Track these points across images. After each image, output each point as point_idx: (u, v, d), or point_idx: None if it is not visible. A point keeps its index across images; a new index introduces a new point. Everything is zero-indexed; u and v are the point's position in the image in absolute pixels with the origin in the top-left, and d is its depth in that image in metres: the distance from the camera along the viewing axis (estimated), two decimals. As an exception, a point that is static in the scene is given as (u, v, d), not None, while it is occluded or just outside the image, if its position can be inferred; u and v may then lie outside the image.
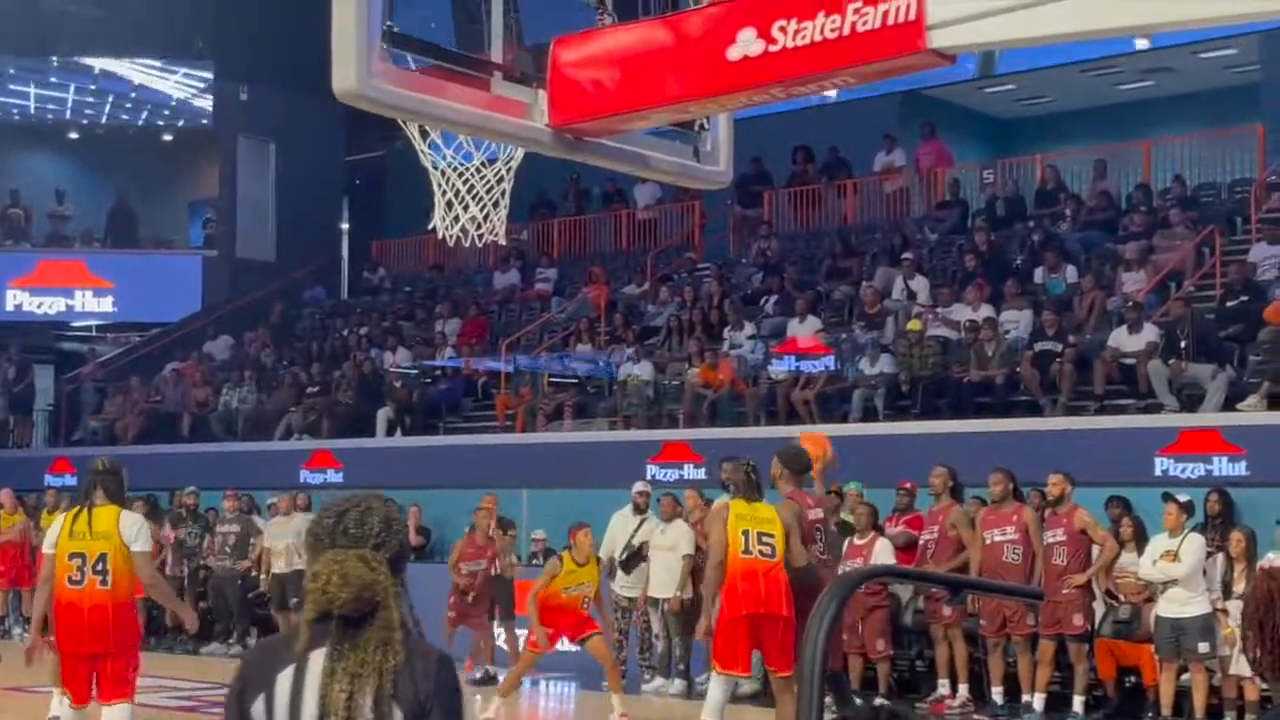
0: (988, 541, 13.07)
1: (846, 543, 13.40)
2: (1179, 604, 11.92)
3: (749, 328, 20.02)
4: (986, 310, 17.71)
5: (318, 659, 3.14)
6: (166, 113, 31.17)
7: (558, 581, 12.61)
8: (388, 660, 3.12)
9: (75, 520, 8.69)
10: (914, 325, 17.95)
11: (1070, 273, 18.53)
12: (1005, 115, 25.96)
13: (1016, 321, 17.51)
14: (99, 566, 8.55)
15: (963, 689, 13.37)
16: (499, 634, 16.13)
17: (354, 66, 5.78)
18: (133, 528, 8.71)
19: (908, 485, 14.79)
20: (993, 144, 25.55)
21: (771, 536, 10.31)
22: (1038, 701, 12.80)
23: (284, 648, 3.26)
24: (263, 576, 18.17)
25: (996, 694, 13.12)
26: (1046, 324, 17.06)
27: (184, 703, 14.76)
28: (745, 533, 10.29)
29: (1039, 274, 18.80)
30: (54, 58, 30.16)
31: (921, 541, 13.83)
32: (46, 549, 8.95)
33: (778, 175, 24.52)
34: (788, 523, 10.42)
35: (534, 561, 16.57)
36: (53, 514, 18.08)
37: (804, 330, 19.06)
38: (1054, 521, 12.82)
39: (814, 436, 12.70)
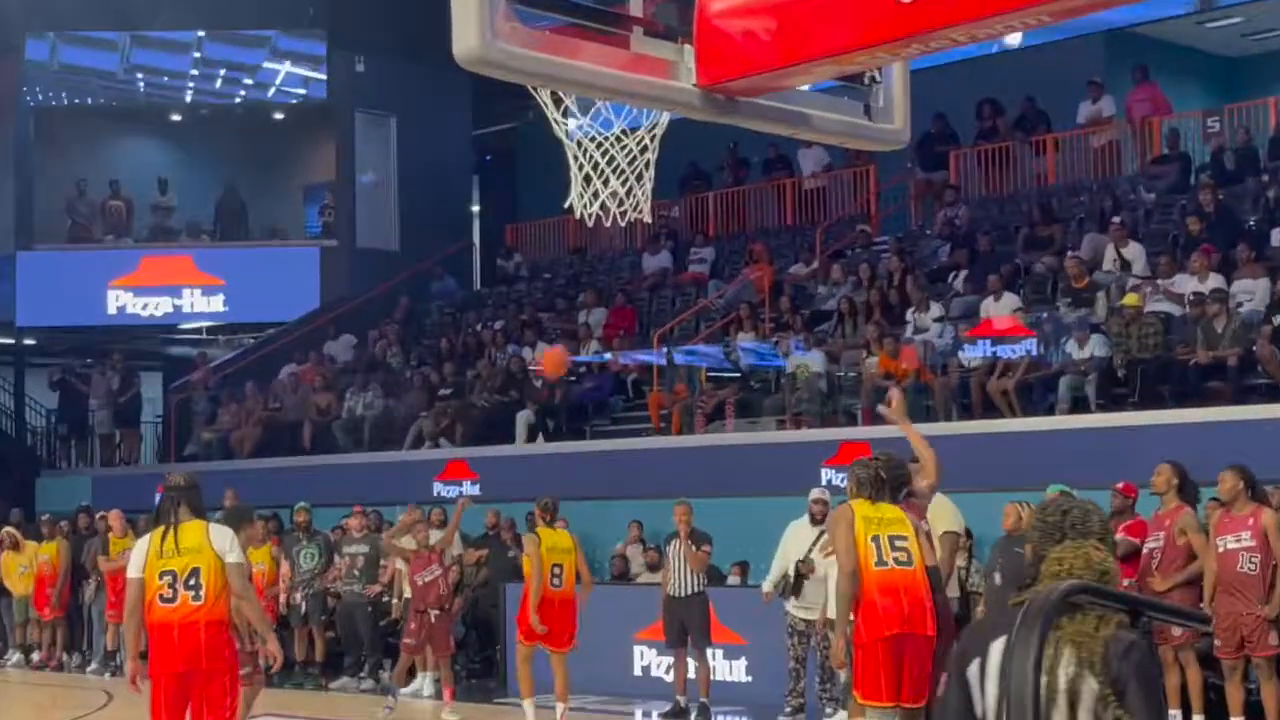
0: (1221, 549, 12.77)
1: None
2: None
3: (935, 309, 19.81)
4: (1215, 280, 17.30)
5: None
6: (276, 90, 31.65)
7: (544, 557, 14.00)
8: (1101, 631, 3.86)
9: (163, 540, 9.13)
10: (1130, 300, 17.58)
11: (1316, 235, 18.12)
12: (1231, 53, 25.39)
13: (1252, 292, 17.08)
14: (191, 581, 9.02)
15: (1198, 720, 13.10)
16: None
17: (477, 28, 5.79)
18: (224, 539, 9.24)
19: (1121, 486, 14.51)
20: (1218, 87, 25.01)
21: (905, 539, 10.13)
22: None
23: (998, 620, 4.14)
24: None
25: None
26: (1289, 295, 16.71)
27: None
28: (875, 539, 10.15)
29: (1276, 236, 18.35)
30: (150, 32, 30.71)
31: (1146, 550, 13.55)
32: (133, 573, 9.31)
33: (964, 133, 24.25)
34: (915, 523, 10.31)
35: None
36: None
37: (1000, 310, 18.80)
38: (1305, 525, 12.50)
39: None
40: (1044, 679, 3.77)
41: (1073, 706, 3.85)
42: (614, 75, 6.38)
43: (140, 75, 31.36)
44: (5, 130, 30.37)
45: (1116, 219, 19.96)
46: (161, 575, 9.02)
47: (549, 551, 14.17)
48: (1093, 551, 4.12)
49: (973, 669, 4.04)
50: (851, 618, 10.01)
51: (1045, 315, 18.58)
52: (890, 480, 10.33)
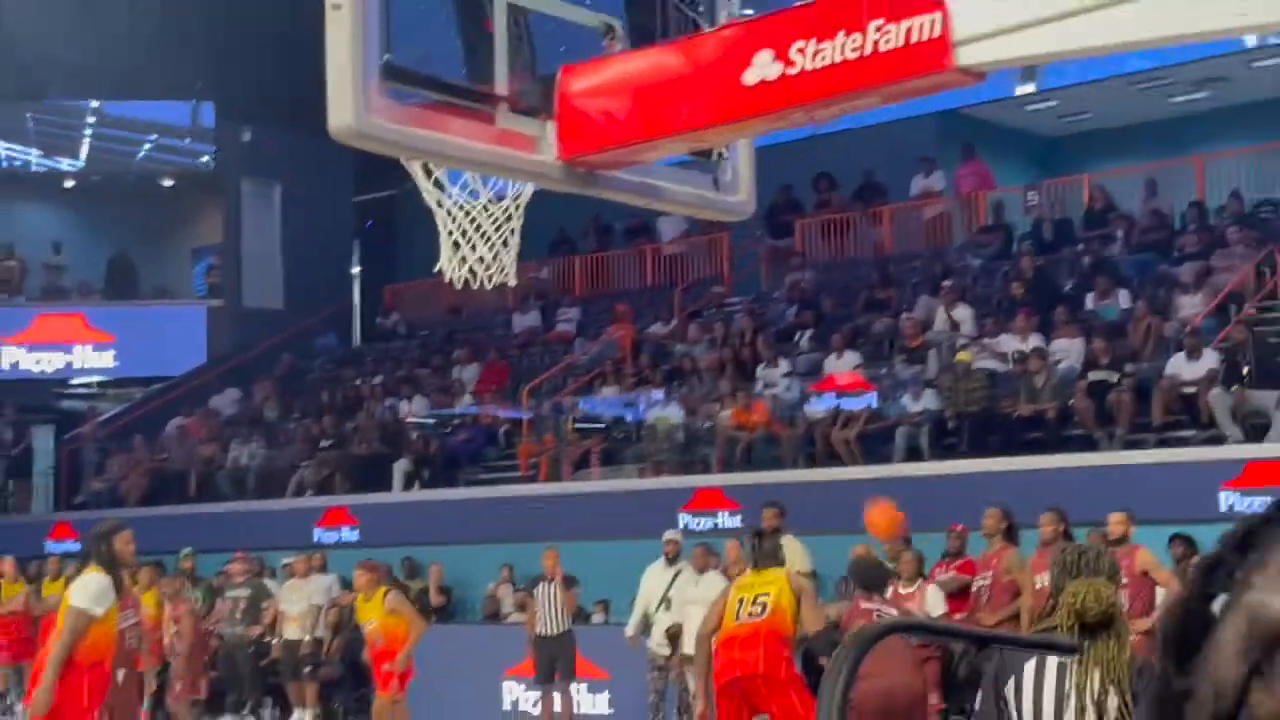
0: (1038, 585, 12.98)
1: (890, 590, 13.32)
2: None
3: (784, 365, 20.00)
4: (1035, 340, 17.66)
5: (1051, 657, 4.53)
6: (165, 157, 31.26)
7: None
8: (1122, 654, 4.46)
9: None
10: (961, 358, 17.90)
11: (1123, 298, 18.50)
12: (1049, 133, 25.96)
13: (1068, 351, 17.44)
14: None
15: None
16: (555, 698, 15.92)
17: (351, 103, 5.79)
18: (80, 587, 9.33)
19: (958, 528, 14.71)
20: (1037, 164, 25.55)
21: (766, 596, 10.24)
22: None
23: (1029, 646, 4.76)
24: (274, 642, 18.13)
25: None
26: (1099, 353, 17.02)
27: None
28: (740, 601, 10.31)
29: (1090, 300, 18.76)
30: (44, 101, 30.26)
31: (975, 588, 13.74)
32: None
33: (808, 203, 24.55)
34: (799, 588, 10.47)
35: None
36: (54, 581, 18.17)
37: (842, 366, 19.04)
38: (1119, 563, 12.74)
39: (883, 511, 12.75)
40: (1072, 694, 4.48)
41: (1100, 714, 4.41)
42: (481, 149, 6.41)
43: (35, 142, 30.82)
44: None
45: (947, 283, 20.34)
46: None
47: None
48: (1102, 588, 4.59)
49: (1010, 686, 4.62)
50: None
51: (883, 371, 18.86)
52: (767, 552, 10.67)
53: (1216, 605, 1.26)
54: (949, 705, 13.96)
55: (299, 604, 17.88)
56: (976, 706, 4.74)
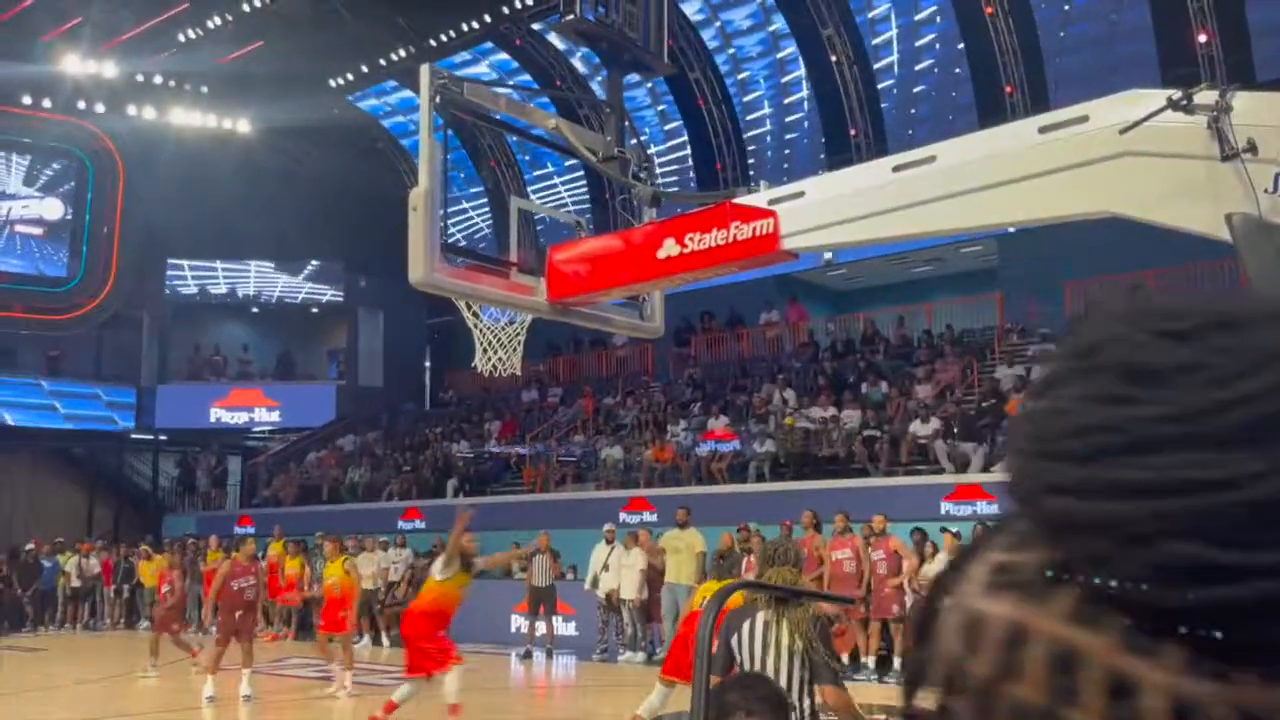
0: (835, 558, 12.96)
1: (745, 561, 13.23)
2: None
3: (683, 423, 19.98)
4: (833, 410, 17.75)
5: (760, 616, 4.31)
6: (313, 294, 31.17)
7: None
8: (805, 616, 4.26)
9: None
10: (788, 420, 17.96)
11: (884, 386, 18.62)
12: (841, 288, 26.20)
13: (851, 417, 17.54)
14: None
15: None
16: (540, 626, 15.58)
17: (423, 266, 5.78)
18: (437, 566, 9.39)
19: (786, 523, 14.67)
20: (833, 306, 25.76)
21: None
22: (870, 662, 12.61)
23: (744, 612, 4.36)
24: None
25: (844, 657, 12.93)
26: (870, 419, 17.11)
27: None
28: (704, 600, 9.46)
29: (864, 388, 18.89)
30: (235, 259, 30.16)
31: (794, 559, 13.72)
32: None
33: (698, 327, 24.65)
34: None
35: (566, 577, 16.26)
36: (234, 554, 17.69)
37: (718, 424, 19.04)
38: (877, 545, 12.75)
39: None
40: (771, 643, 4.24)
41: (791, 656, 4.21)
42: (500, 294, 6.39)
43: (234, 283, 30.70)
44: (155, 312, 29.43)
45: (779, 376, 20.41)
46: None
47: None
48: (789, 573, 4.45)
49: (734, 638, 4.32)
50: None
51: (743, 428, 18.86)
52: (725, 567, 9.70)
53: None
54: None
55: (370, 568, 17.61)
56: (714, 652, 4.21)
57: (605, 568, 14.80)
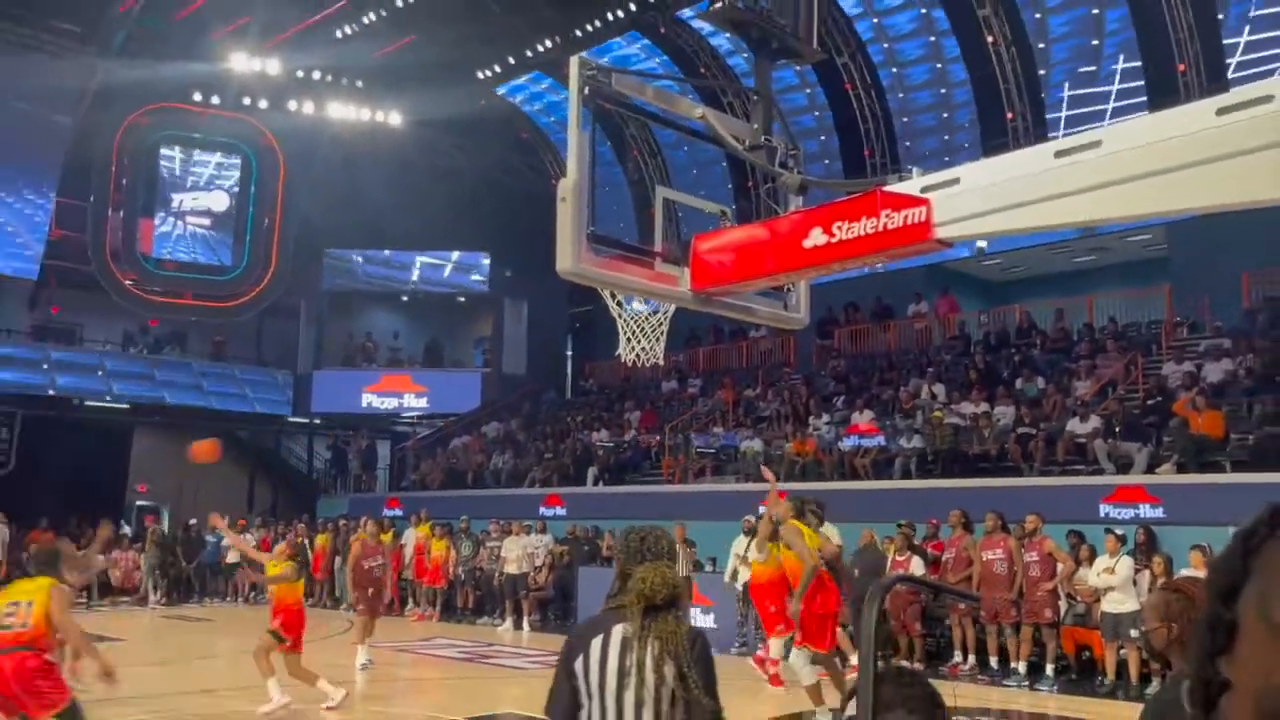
0: (985, 558, 12.63)
1: (890, 559, 13.03)
2: (1117, 604, 11.40)
3: (825, 417, 19.75)
4: (985, 406, 17.25)
5: (618, 631, 3.17)
6: (460, 284, 32.06)
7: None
8: (680, 629, 3.16)
9: None
10: (936, 415, 17.54)
11: (1040, 382, 17.99)
12: (996, 279, 25.43)
13: (1005, 414, 17.01)
14: None
15: (971, 658, 12.86)
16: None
17: (570, 255, 5.84)
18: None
19: (933, 522, 14.38)
20: (986, 298, 25.02)
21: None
22: (1021, 667, 12.25)
23: (596, 624, 3.26)
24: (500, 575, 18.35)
25: (993, 661, 12.60)
26: (1025, 416, 16.56)
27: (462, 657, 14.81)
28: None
29: (1019, 383, 18.28)
30: (386, 250, 31.18)
31: (943, 559, 13.42)
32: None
33: (842, 318, 24.32)
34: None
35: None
36: (386, 533, 18.39)
37: (862, 419, 18.75)
38: (1030, 547, 12.37)
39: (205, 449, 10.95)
40: (633, 668, 3.12)
41: (657, 687, 3.11)
42: (644, 284, 6.42)
43: (385, 273, 31.84)
44: (311, 300, 30.81)
45: (929, 370, 19.96)
46: None
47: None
48: (666, 570, 3.26)
49: (579, 662, 3.17)
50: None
51: (888, 423, 18.52)
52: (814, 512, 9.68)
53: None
54: (925, 629, 13.62)
55: (515, 551, 18.02)
56: (552, 684, 3.26)
57: (744, 560, 14.78)
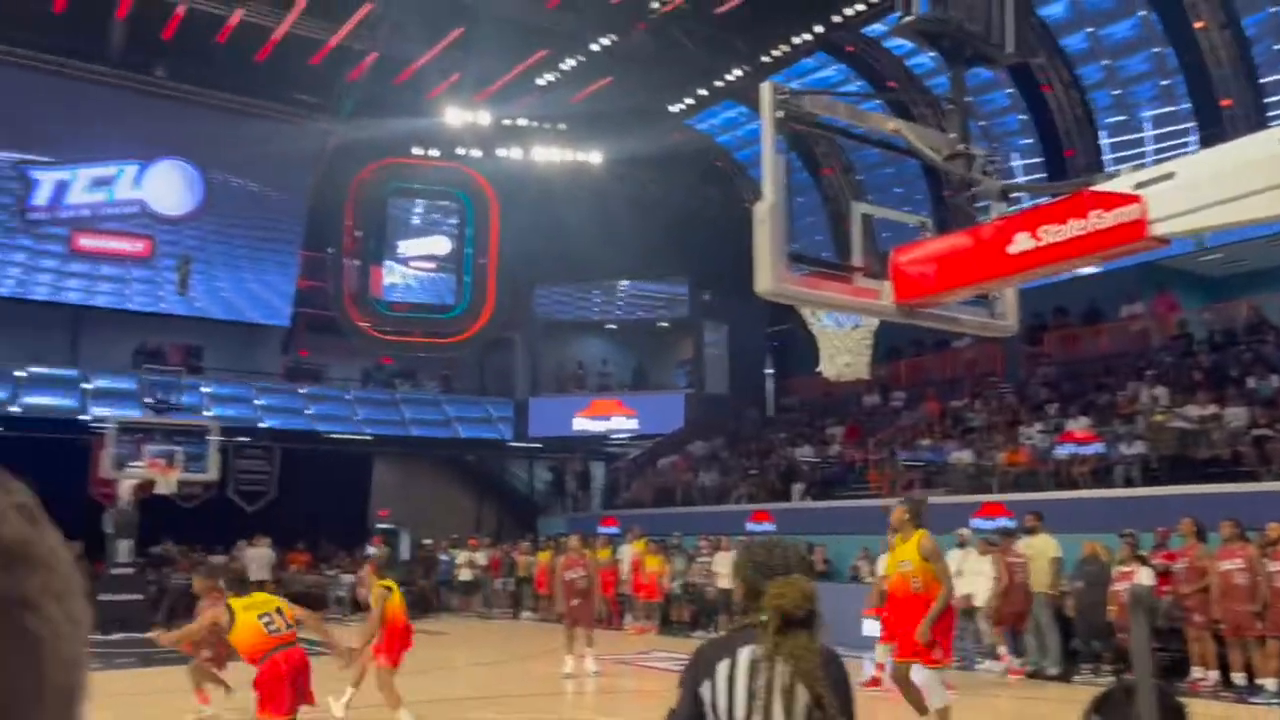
0: (1223, 569, 11.65)
1: (1115, 570, 12.23)
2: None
3: (1039, 425, 18.79)
4: (1213, 408, 15.97)
5: (745, 653, 2.88)
6: (662, 310, 32.47)
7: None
8: (814, 649, 2.86)
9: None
10: (1157, 418, 16.38)
11: (1275, 380, 16.50)
12: (1217, 274, 23.52)
13: (1237, 415, 15.68)
14: None
15: (1213, 674, 11.86)
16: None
17: (770, 275, 5.84)
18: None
19: (1161, 531, 13.40)
20: (1208, 294, 23.19)
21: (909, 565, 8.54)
22: (1270, 684, 11.20)
23: (721, 645, 3.00)
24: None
25: (1238, 678, 11.57)
26: (1259, 417, 15.22)
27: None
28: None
29: (1250, 382, 16.83)
30: (591, 282, 31.96)
31: (1174, 570, 12.47)
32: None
33: (1051, 323, 23.11)
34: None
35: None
36: (604, 550, 18.74)
37: (1077, 426, 17.73)
38: (1274, 555, 11.31)
39: None
40: (761, 691, 2.84)
41: (788, 712, 2.83)
42: (844, 299, 6.34)
43: (592, 304, 32.65)
44: (526, 332, 31.99)
45: (1148, 372, 18.67)
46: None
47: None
48: (804, 583, 2.95)
49: (705, 688, 2.91)
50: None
51: (1107, 429, 17.43)
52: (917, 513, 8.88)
53: None
54: (1160, 643, 12.67)
55: (726, 566, 17.96)
56: (674, 705, 2.98)
57: (959, 573, 14.22)
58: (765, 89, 5.99)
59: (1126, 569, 12.25)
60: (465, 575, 23.48)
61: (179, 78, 25.56)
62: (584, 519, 26.43)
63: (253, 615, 7.24)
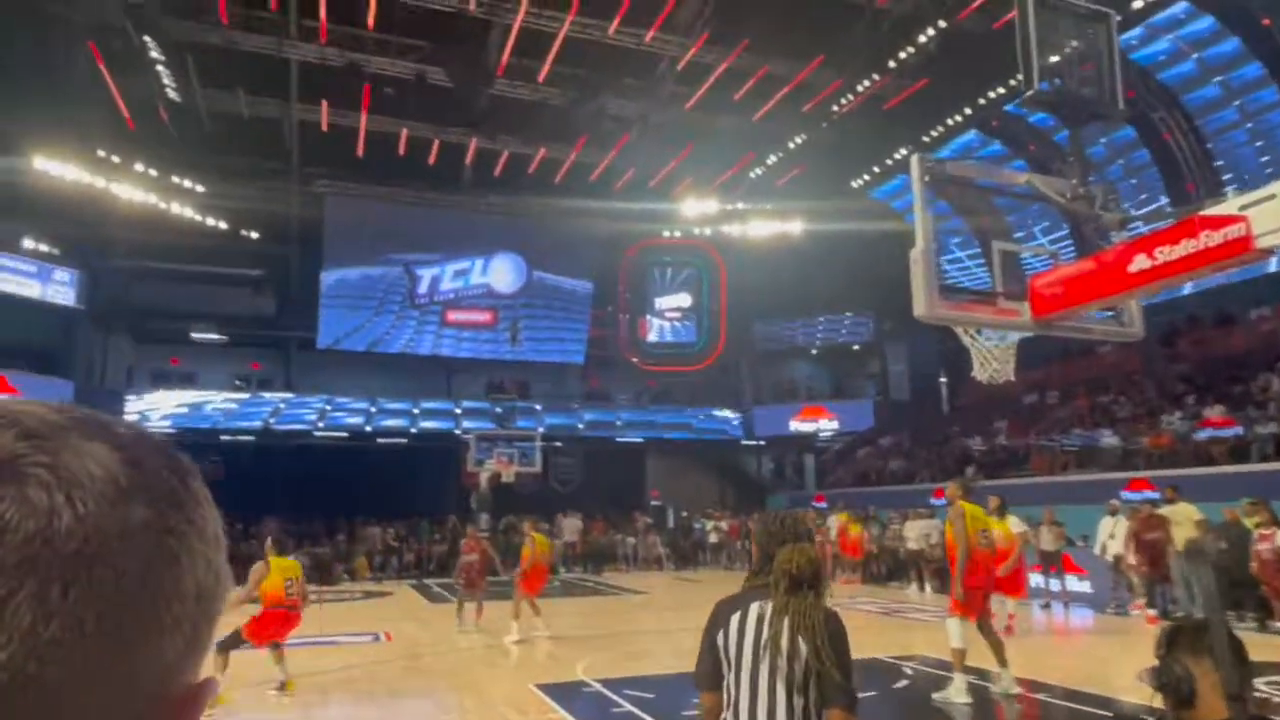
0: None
1: (1256, 532, 10.65)
2: None
3: (1177, 413, 16.68)
4: (1346, 393, 13.60)
5: (755, 608, 2.57)
6: (853, 336, 31.50)
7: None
8: (816, 607, 2.52)
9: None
10: (1292, 405, 14.14)
11: None
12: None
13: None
14: None
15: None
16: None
17: (925, 304, 5.73)
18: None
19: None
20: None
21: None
22: None
23: (736, 601, 2.64)
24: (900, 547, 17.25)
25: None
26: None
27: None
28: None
29: (1385, 369, 14.19)
30: (798, 317, 31.52)
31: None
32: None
33: (1184, 329, 20.42)
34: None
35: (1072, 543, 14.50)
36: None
37: (1214, 412, 15.60)
38: None
39: None
40: (771, 637, 2.49)
41: (790, 660, 2.47)
42: (990, 319, 6.08)
43: (798, 333, 32.23)
44: (749, 358, 32.01)
45: (1279, 364, 16.17)
46: None
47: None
48: (809, 549, 2.59)
49: (720, 636, 2.57)
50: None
51: (1242, 414, 15.23)
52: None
53: None
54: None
55: (914, 531, 17.07)
56: (699, 652, 2.63)
57: (1112, 536, 12.88)
58: (914, 162, 5.90)
59: (1266, 531, 10.65)
60: (713, 538, 23.72)
61: (508, 194, 27.90)
62: (799, 496, 26.02)
63: (279, 577, 7.27)
